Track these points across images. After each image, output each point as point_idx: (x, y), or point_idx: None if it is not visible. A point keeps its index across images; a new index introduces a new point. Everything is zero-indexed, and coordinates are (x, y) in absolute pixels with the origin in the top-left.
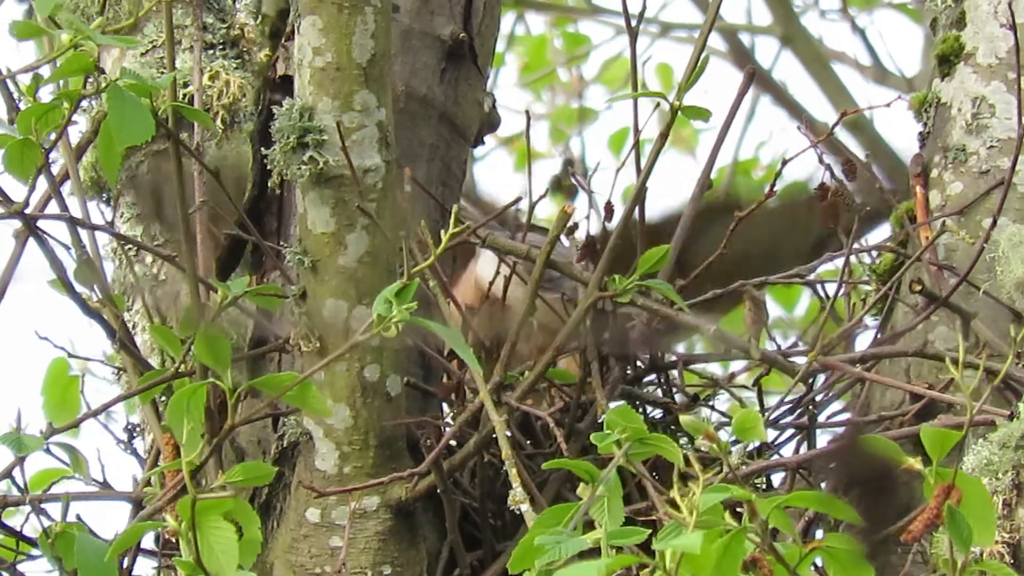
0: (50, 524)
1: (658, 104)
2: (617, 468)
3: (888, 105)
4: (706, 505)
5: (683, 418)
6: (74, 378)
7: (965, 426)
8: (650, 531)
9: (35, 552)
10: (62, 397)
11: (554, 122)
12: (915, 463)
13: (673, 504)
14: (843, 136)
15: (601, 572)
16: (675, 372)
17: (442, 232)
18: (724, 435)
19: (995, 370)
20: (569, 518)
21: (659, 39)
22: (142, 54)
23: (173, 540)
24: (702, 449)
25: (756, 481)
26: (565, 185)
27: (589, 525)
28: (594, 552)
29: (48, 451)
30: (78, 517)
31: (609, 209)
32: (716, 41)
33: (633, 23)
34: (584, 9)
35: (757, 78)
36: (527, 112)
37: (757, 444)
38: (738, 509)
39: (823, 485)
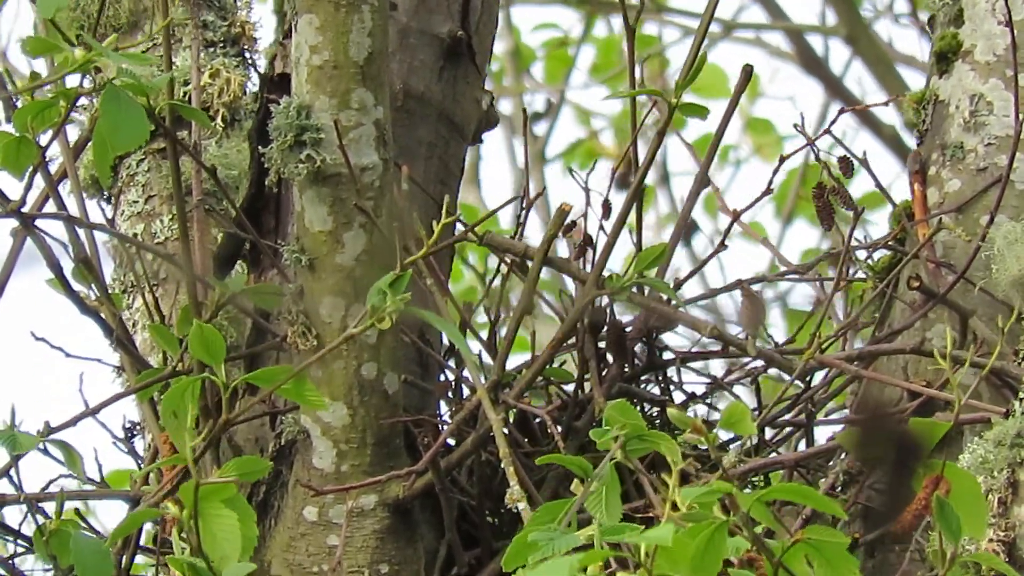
0: (45, 522)
1: (655, 103)
2: (615, 465)
3: (886, 104)
4: (688, 498)
5: (671, 411)
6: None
7: (953, 418)
8: (643, 528)
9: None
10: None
11: (618, 123)
12: None
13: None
14: (913, 142)
15: (572, 570)
16: (673, 370)
17: (434, 223)
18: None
19: (993, 366)
20: (563, 515)
21: (722, 40)
22: (142, 52)
23: (171, 539)
24: (696, 445)
25: (754, 479)
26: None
27: (589, 523)
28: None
29: (46, 451)
30: (76, 512)
31: (606, 207)
32: (782, 42)
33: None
34: (650, 10)
35: (828, 84)
36: (524, 112)
37: (755, 442)
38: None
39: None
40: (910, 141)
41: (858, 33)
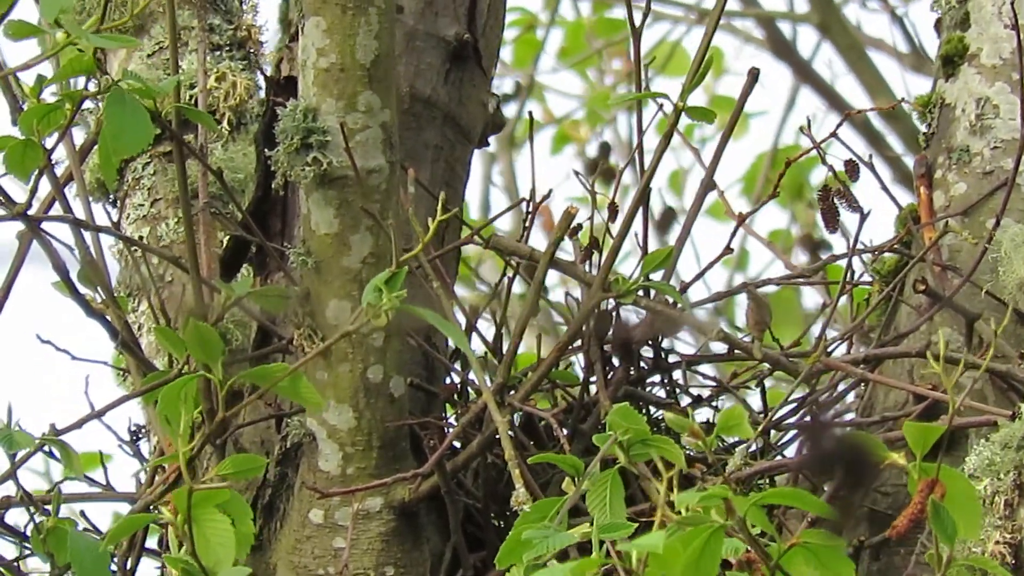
0: (42, 519)
1: (661, 105)
2: (620, 469)
3: (892, 107)
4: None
5: (668, 416)
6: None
7: (948, 420)
8: (636, 524)
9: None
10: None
11: (590, 106)
12: (899, 459)
13: (667, 503)
14: (882, 127)
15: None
16: (679, 373)
17: (442, 231)
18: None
19: (998, 370)
20: (555, 512)
21: (696, 26)
22: (148, 55)
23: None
24: (690, 450)
25: (760, 482)
26: (602, 168)
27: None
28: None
29: (50, 454)
30: (82, 514)
31: (613, 209)
32: (754, 29)
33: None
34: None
35: (797, 68)
36: (530, 113)
37: (760, 445)
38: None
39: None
40: (879, 126)
41: (830, 20)
